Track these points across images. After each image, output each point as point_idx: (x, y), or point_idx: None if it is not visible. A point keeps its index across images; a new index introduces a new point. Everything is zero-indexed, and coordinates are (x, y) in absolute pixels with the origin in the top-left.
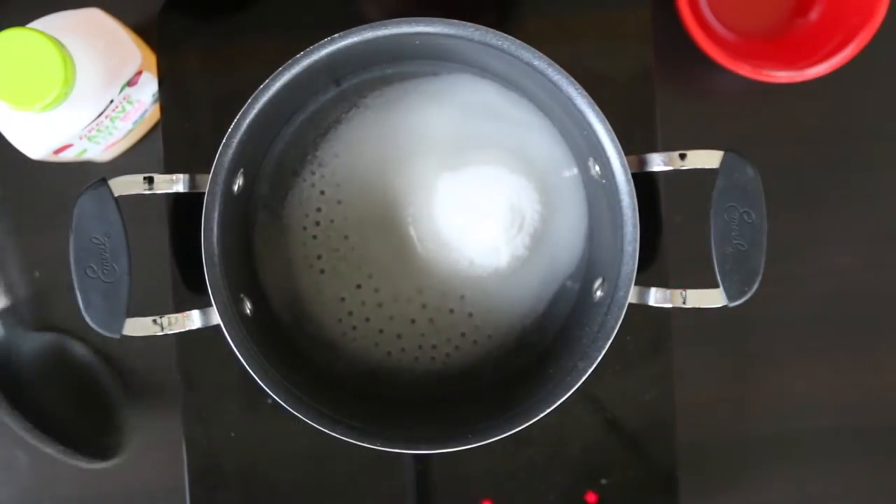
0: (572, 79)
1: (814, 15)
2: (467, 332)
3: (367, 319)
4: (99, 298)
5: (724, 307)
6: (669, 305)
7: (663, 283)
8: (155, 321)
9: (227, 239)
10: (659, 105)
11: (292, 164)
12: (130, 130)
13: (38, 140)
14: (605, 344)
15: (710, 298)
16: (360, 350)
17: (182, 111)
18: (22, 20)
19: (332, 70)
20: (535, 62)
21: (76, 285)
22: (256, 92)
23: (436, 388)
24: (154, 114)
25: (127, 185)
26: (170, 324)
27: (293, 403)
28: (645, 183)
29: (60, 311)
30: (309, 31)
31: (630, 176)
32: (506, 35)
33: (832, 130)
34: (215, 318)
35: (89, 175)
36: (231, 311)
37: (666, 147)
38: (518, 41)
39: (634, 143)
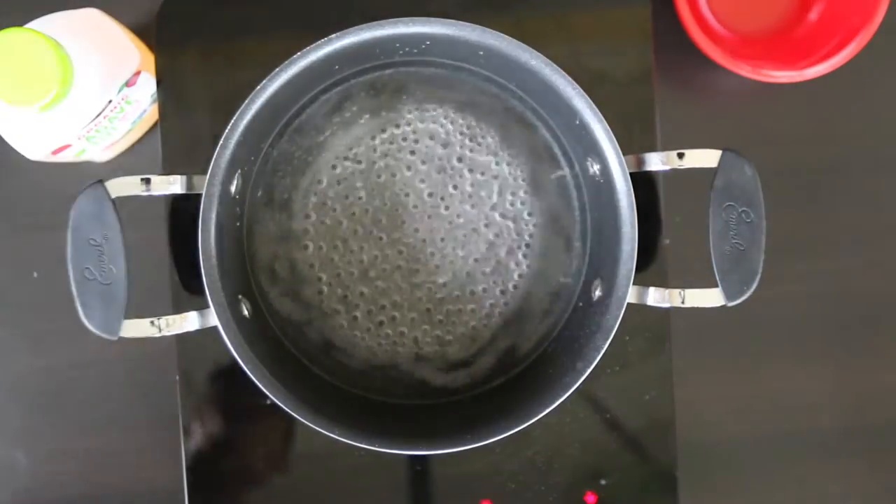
0: (570, 78)
1: (814, 15)
2: (468, 334)
3: (369, 321)
4: (97, 300)
5: (723, 307)
6: (668, 305)
7: (662, 283)
8: (153, 323)
9: (225, 240)
10: (658, 105)
11: (290, 164)
12: (129, 131)
13: (36, 140)
14: (604, 344)
15: (709, 298)
16: (360, 351)
17: (180, 112)
18: (21, 20)
19: (329, 70)
20: (533, 62)
21: (74, 287)
22: (253, 93)
23: (436, 390)
24: (152, 114)
25: (124, 186)
26: (167, 325)
27: (291, 405)
28: (644, 183)
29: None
30: (306, 31)
31: (628, 175)
32: (503, 35)
33: (832, 130)
34: (213, 320)
35: (87, 176)
36: (228, 313)
37: (665, 147)
38: (515, 41)
39: (633, 143)
